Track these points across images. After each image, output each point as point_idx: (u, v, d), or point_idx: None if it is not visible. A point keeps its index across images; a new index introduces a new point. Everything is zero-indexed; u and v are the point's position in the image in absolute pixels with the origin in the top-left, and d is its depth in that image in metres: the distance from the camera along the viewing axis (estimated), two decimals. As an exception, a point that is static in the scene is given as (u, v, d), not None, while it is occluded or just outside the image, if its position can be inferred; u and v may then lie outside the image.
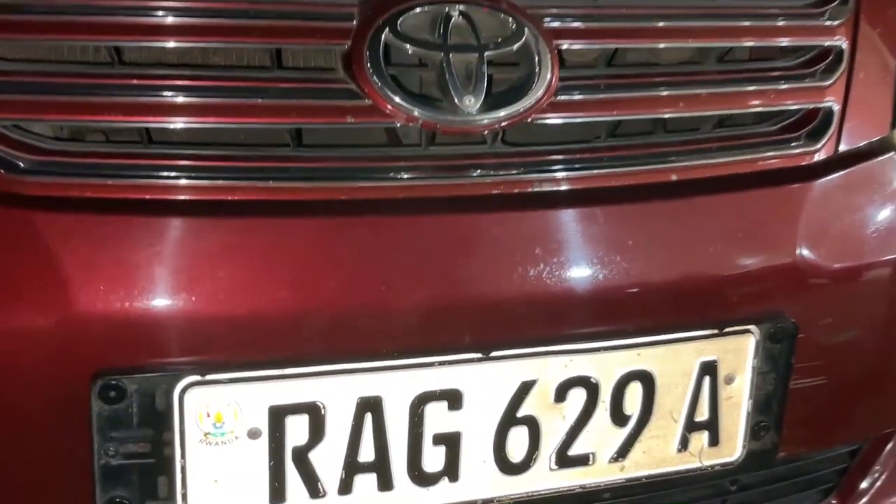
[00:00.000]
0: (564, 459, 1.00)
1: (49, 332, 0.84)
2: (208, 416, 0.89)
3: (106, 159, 0.89)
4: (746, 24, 1.10)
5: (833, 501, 1.25)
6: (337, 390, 0.91)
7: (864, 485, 1.26)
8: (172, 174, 0.90)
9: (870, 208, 1.12)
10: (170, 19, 0.91)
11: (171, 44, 0.91)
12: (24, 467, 0.88)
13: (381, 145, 0.97)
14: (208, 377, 0.87)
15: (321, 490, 0.93)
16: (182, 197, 0.90)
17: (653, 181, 1.02)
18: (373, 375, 0.92)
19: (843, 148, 1.12)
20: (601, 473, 1.02)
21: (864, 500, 1.26)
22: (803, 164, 1.09)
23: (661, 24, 1.05)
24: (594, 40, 1.02)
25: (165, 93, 0.90)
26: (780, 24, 1.11)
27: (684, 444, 1.04)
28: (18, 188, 0.87)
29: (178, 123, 0.90)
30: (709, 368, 1.03)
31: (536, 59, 0.97)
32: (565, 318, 0.97)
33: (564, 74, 0.99)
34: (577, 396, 0.98)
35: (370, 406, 0.92)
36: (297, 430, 0.91)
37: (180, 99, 0.90)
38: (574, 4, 1.03)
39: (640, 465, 1.03)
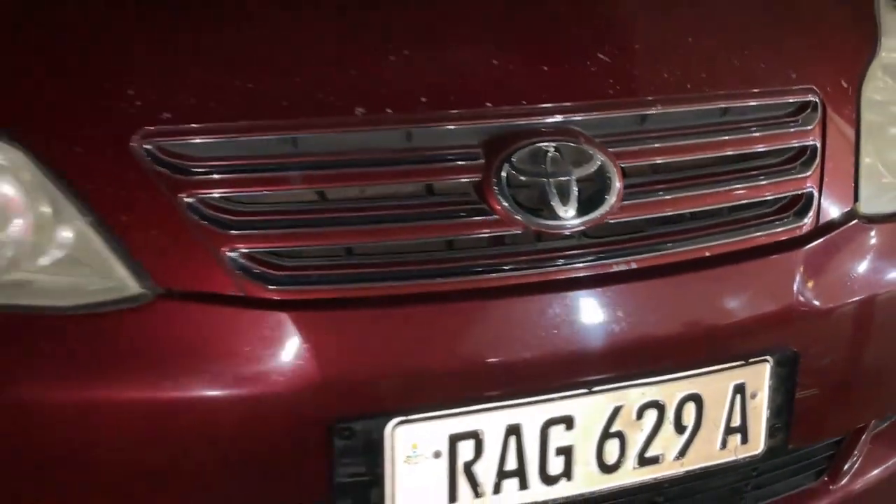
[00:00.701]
0: (643, 460, 1.40)
1: (305, 394, 1.23)
2: (408, 444, 1.28)
3: (325, 271, 1.28)
4: (746, 135, 1.51)
5: (825, 479, 1.66)
6: (491, 421, 1.30)
7: (846, 466, 1.67)
8: (367, 277, 1.29)
9: (844, 264, 1.54)
10: (359, 169, 1.30)
11: (361, 185, 1.31)
12: (289, 484, 1.27)
13: (499, 245, 1.36)
14: (409, 417, 1.26)
15: (481, 492, 1.32)
16: (375, 293, 1.29)
17: (693, 257, 1.43)
18: (515, 409, 1.31)
19: (822, 220, 1.53)
20: (667, 469, 1.42)
21: (847, 478, 1.68)
22: (794, 235, 1.51)
23: (688, 141, 1.46)
24: (643, 158, 1.43)
25: (359, 221, 1.29)
26: (769, 132, 1.53)
27: (724, 444, 1.44)
28: (270, 294, 1.25)
29: (367, 242, 1.30)
30: (739, 389, 1.43)
31: (608, 175, 1.38)
32: (641, 361, 1.37)
33: (628, 183, 1.40)
34: (651, 415, 1.38)
35: (513, 430, 1.31)
36: (465, 450, 1.30)
37: (367, 225, 1.30)
38: (626, 131, 1.43)
39: (694, 461, 1.43)
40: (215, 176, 1.26)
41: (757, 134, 1.52)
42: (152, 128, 1.25)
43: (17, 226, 1.24)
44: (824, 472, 1.65)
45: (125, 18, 1.34)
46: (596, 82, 1.43)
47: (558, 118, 1.39)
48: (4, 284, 1.22)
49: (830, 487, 1.66)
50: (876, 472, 1.70)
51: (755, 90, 1.54)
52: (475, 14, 1.46)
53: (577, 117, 1.39)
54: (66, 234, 1.24)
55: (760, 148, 1.52)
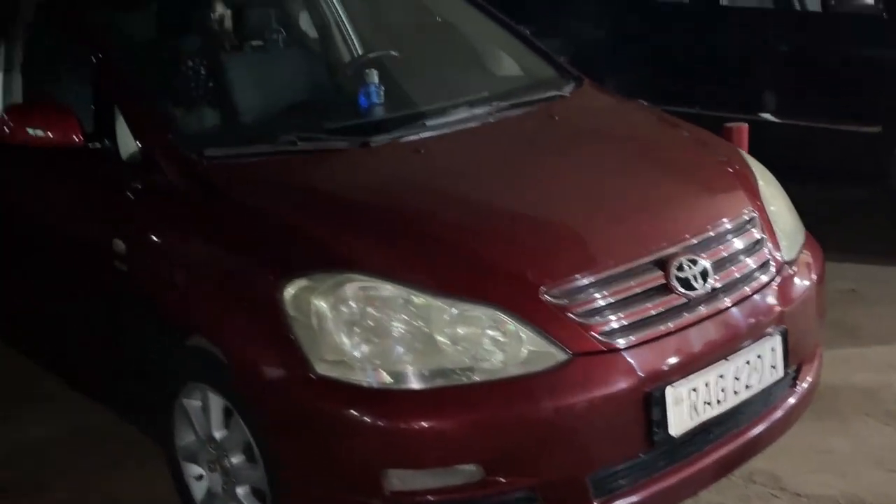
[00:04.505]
0: (746, 387, 3.15)
1: (637, 383, 2.90)
2: (674, 396, 2.98)
3: (635, 331, 2.95)
4: (744, 234, 3.34)
5: (792, 386, 3.47)
6: (699, 380, 2.98)
7: (798, 379, 3.50)
8: (646, 329, 2.99)
9: (789, 285, 3.38)
10: (622, 285, 3.03)
11: (627, 294, 3.03)
12: (634, 423, 2.91)
13: (682, 306, 3.08)
14: (673, 384, 2.95)
15: (698, 413, 3.00)
16: (652, 336, 2.96)
17: (744, 296, 3.22)
18: (707, 373, 3.00)
19: (775, 269, 3.35)
20: (754, 389, 3.14)
21: (799, 384, 3.49)
22: (770, 278, 3.32)
23: (720, 247, 3.28)
24: (713, 257, 3.22)
25: (637, 305, 3.01)
26: (744, 234, 3.37)
27: (770, 374, 3.24)
28: (617, 345, 2.89)
29: (644, 315, 3.00)
30: (771, 347, 3.22)
31: (707, 267, 3.16)
32: (740, 342, 3.14)
33: (715, 266, 3.19)
34: (746, 366, 3.12)
35: (707, 383, 3.02)
36: (692, 395, 2.99)
37: (640, 306, 3.02)
38: (704, 247, 3.22)
39: (761, 384, 3.19)
40: (572, 300, 2.94)
41: (748, 232, 3.35)
42: (544, 287, 2.92)
43: (516, 346, 2.85)
44: (793, 383, 3.48)
45: (523, 231, 3.01)
46: (687, 228, 3.21)
47: (679, 248, 3.15)
48: (521, 364, 2.84)
49: (794, 390, 3.47)
50: (808, 377, 3.56)
51: (735, 217, 3.38)
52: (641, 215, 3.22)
53: (685, 245, 3.17)
54: (526, 339, 2.87)
55: (750, 240, 3.35)
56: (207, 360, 3.16)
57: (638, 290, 3.00)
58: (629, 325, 2.95)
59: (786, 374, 3.28)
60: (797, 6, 6.35)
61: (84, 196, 3.64)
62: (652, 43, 6.71)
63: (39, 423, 4.40)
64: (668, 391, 2.94)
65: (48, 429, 4.36)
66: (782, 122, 6.18)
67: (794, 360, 3.35)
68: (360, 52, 5.00)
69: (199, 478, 3.43)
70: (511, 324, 2.84)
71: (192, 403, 3.33)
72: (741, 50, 6.31)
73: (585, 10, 7.11)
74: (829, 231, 5.42)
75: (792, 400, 3.41)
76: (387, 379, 2.78)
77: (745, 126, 4.74)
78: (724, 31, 6.50)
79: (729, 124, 4.74)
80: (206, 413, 3.29)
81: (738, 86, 6.40)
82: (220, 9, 4.42)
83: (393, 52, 4.46)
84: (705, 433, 3.10)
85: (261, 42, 4.40)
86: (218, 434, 3.28)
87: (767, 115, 6.29)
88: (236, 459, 3.23)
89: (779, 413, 3.35)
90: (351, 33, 5.05)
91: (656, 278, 3.04)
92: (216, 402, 3.23)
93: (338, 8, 5.07)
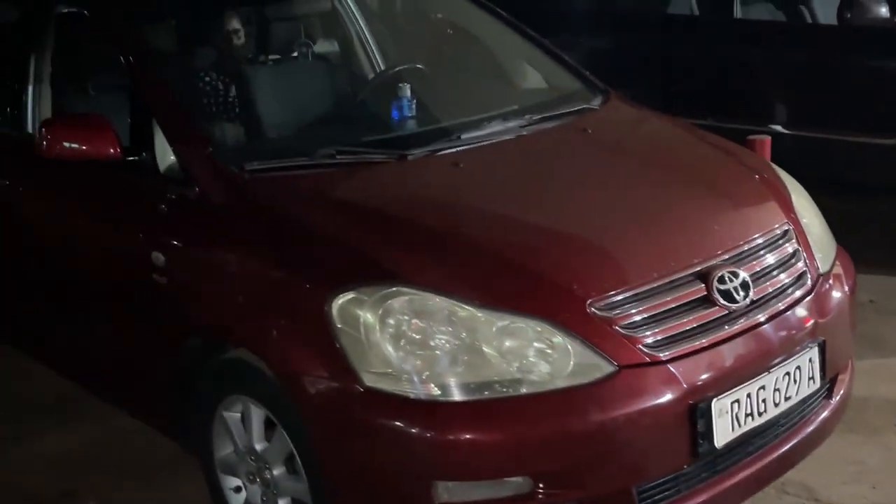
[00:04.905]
0: (786, 399, 3.18)
1: (682, 395, 2.92)
2: (718, 409, 3.00)
3: (675, 343, 2.97)
4: (780, 246, 3.36)
5: (827, 399, 3.50)
6: (741, 393, 3.01)
7: (833, 392, 3.53)
8: (685, 342, 3.00)
9: (825, 297, 3.41)
10: (662, 299, 3.05)
11: (670, 304, 3.04)
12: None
13: (723, 317, 3.10)
14: (718, 397, 2.97)
15: (740, 424, 3.01)
16: (692, 349, 2.99)
17: (781, 308, 3.25)
18: (748, 386, 3.02)
19: (811, 281, 3.38)
20: (794, 400, 3.17)
21: (834, 397, 3.51)
22: (807, 290, 3.34)
23: (759, 258, 3.29)
24: (750, 270, 3.24)
25: (677, 318, 3.01)
26: (781, 245, 3.40)
27: (808, 385, 3.26)
28: (659, 357, 2.90)
29: (682, 328, 3.02)
30: (809, 359, 3.25)
31: (747, 280, 3.18)
32: (780, 354, 3.15)
33: (754, 279, 3.21)
34: (786, 378, 3.14)
35: (749, 395, 3.04)
36: (735, 406, 3.00)
37: (678, 320, 3.03)
38: (741, 260, 3.25)
39: (800, 395, 3.22)
40: (617, 312, 2.96)
41: (783, 245, 3.38)
42: (590, 300, 2.94)
43: (563, 359, 2.87)
44: (828, 394, 3.50)
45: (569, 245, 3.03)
46: (726, 241, 3.23)
47: (719, 261, 3.17)
48: (569, 376, 2.85)
49: (829, 402, 3.49)
50: (842, 389, 3.57)
51: (771, 229, 3.40)
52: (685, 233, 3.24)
53: (725, 257, 3.19)
54: (573, 351, 2.89)
55: (786, 253, 3.38)
56: (250, 373, 3.17)
57: (680, 302, 3.02)
58: (673, 337, 2.97)
59: (822, 385, 3.29)
60: (810, 19, 6.38)
61: (121, 209, 3.66)
62: (665, 55, 6.73)
63: (60, 433, 4.44)
64: (714, 403, 2.95)
65: (70, 438, 4.40)
66: (797, 133, 6.18)
67: (831, 371, 3.36)
68: (382, 66, 5.02)
69: (238, 489, 3.44)
70: (558, 336, 2.85)
71: (233, 416, 3.34)
72: (755, 62, 6.33)
73: (598, 23, 7.13)
74: (846, 243, 5.48)
75: (827, 411, 3.43)
76: (434, 391, 2.79)
77: (769, 139, 4.77)
78: (737, 43, 6.51)
79: (752, 136, 4.76)
80: (247, 425, 3.30)
81: (752, 98, 6.41)
82: (244, 24, 4.45)
83: (419, 66, 4.48)
84: (745, 445, 3.12)
85: (291, 56, 4.43)
86: (259, 446, 3.29)
87: (780, 128, 6.29)
88: (277, 471, 3.24)
89: (815, 424, 3.37)
90: (373, 47, 5.07)
91: (698, 291, 3.06)
92: (258, 414, 3.25)
93: (360, 22, 5.09)
